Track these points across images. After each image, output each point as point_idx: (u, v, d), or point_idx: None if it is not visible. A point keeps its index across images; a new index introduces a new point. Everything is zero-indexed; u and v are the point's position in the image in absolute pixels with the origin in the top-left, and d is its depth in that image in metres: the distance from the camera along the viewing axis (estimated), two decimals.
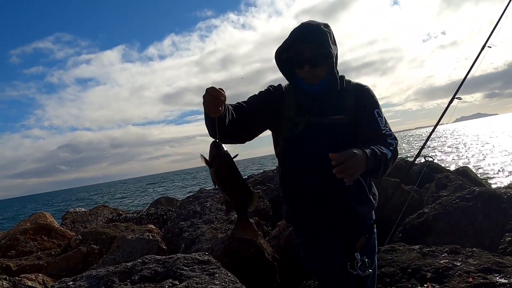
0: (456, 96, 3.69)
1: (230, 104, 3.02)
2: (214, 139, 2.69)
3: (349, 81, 3.33)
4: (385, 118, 3.25)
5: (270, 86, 3.40)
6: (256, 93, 3.34)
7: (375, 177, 3.14)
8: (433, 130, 3.71)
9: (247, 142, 3.22)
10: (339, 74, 3.27)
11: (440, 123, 3.84)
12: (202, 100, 2.58)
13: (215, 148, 2.65)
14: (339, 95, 3.22)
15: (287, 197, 3.44)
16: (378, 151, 2.83)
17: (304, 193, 3.26)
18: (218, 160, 2.64)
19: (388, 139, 3.13)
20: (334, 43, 3.15)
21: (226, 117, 2.81)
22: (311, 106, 3.19)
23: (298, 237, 3.55)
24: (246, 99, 3.26)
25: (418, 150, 3.71)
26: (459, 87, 3.69)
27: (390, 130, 3.22)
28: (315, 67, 3.09)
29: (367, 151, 2.72)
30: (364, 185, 3.25)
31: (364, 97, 3.23)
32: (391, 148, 3.02)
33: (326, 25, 3.14)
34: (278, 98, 3.29)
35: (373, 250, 3.46)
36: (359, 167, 2.62)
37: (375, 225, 3.50)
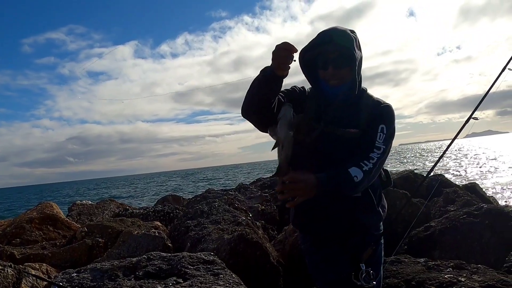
0: (473, 117, 3.67)
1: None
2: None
3: (371, 96, 3.32)
4: (389, 134, 3.18)
5: (295, 86, 3.42)
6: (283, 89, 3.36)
7: (343, 194, 3.07)
8: (446, 149, 3.70)
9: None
10: (362, 87, 3.29)
11: (449, 138, 3.83)
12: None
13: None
14: (357, 107, 3.22)
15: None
16: (337, 177, 2.90)
17: (312, 199, 3.26)
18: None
19: (374, 151, 3.09)
20: (359, 48, 3.17)
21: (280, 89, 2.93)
22: (329, 114, 3.19)
23: (304, 243, 3.55)
24: None
25: (431, 167, 3.69)
26: (477, 107, 3.67)
27: (384, 145, 3.14)
28: (339, 68, 3.10)
29: (321, 176, 2.83)
30: (373, 196, 3.25)
31: (378, 112, 3.22)
32: (364, 168, 2.97)
33: (353, 31, 3.17)
34: (301, 99, 3.31)
35: (379, 262, 3.45)
36: (305, 192, 2.79)
37: (382, 237, 3.50)
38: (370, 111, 3.22)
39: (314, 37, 3.20)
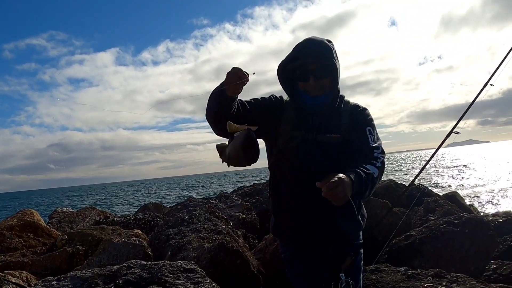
0: (454, 131, 3.69)
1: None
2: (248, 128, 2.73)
3: (348, 102, 3.38)
4: (377, 135, 3.28)
5: (272, 95, 3.43)
6: (258, 97, 3.37)
7: (361, 198, 3.13)
8: (427, 162, 3.71)
9: None
10: (340, 94, 3.32)
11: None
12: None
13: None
14: (337, 114, 3.27)
15: (275, 209, 3.46)
16: (363, 173, 2.85)
17: (293, 207, 3.27)
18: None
19: (375, 152, 3.16)
20: (337, 58, 3.20)
21: (234, 104, 2.92)
22: (309, 122, 3.23)
23: (284, 252, 3.55)
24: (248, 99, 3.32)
25: (413, 178, 3.71)
26: (457, 122, 3.69)
27: (379, 144, 3.24)
28: (320, 78, 3.14)
29: (352, 176, 2.73)
30: (353, 205, 3.26)
31: (359, 117, 3.28)
32: (377, 164, 3.05)
33: (330, 41, 3.22)
34: (278, 109, 3.33)
35: (359, 271, 3.47)
36: (346, 194, 2.64)
37: (361, 246, 3.51)
38: (349, 116, 3.29)
39: (291, 50, 3.23)
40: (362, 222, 3.40)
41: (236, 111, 3.03)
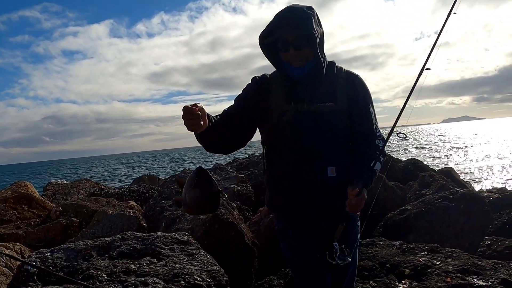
0: (395, 130, 3.58)
1: (219, 115, 3.06)
2: (199, 166, 2.78)
3: (341, 69, 3.34)
4: (375, 113, 3.34)
5: (254, 77, 3.37)
6: (240, 91, 3.33)
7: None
8: (403, 107, 3.57)
9: (248, 142, 3.23)
10: (330, 61, 3.30)
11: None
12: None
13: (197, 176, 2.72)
14: (329, 82, 3.23)
15: (270, 184, 3.42)
16: (370, 174, 3.17)
17: (288, 180, 3.24)
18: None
19: (379, 141, 3.30)
20: (319, 25, 3.13)
21: (212, 129, 2.81)
22: (299, 92, 3.18)
23: (278, 224, 3.53)
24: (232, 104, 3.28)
25: (391, 128, 3.60)
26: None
27: (379, 128, 3.36)
28: (299, 49, 3.08)
29: (364, 187, 3.10)
30: (348, 177, 3.23)
31: (357, 88, 3.24)
32: (381, 158, 3.25)
33: (310, 8, 3.14)
34: (264, 89, 3.27)
35: (354, 241, 3.43)
36: (363, 205, 3.11)
37: (358, 219, 3.50)
38: (345, 84, 3.25)
39: (272, 19, 3.18)
40: None
41: (225, 128, 2.98)
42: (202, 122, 2.57)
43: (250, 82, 3.35)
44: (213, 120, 2.86)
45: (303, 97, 3.17)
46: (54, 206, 10.03)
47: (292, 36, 3.07)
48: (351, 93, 3.21)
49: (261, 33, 3.19)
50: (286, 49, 3.12)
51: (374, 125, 3.32)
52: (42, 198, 11.03)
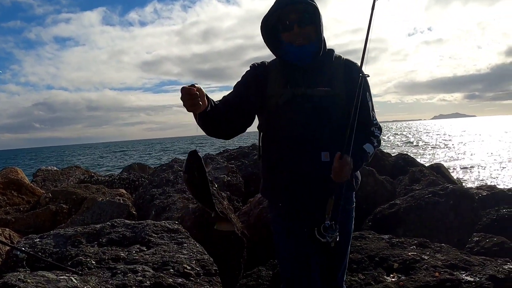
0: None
1: (218, 101, 3.06)
2: (193, 149, 2.87)
3: (340, 56, 3.37)
4: (372, 102, 3.36)
5: (253, 64, 3.39)
6: (232, 82, 3.37)
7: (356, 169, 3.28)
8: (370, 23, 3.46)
9: (248, 128, 3.26)
10: (329, 48, 3.32)
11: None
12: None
13: (191, 157, 2.86)
14: (328, 68, 3.25)
15: (265, 171, 3.42)
16: (359, 152, 3.19)
17: (282, 164, 3.25)
18: (192, 170, 2.89)
19: (375, 129, 3.35)
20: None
21: (212, 111, 2.84)
22: (296, 77, 3.21)
23: (271, 212, 3.53)
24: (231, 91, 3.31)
25: (362, 53, 3.53)
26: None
27: (376, 117, 3.40)
28: (303, 26, 3.12)
29: (352, 158, 3.07)
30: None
31: (354, 76, 3.23)
32: (375, 143, 3.30)
33: None
34: (262, 75, 3.28)
35: (348, 235, 3.45)
36: (349, 174, 3.10)
37: (353, 211, 3.51)
38: (343, 70, 3.28)
39: (273, 4, 3.20)
40: (355, 185, 3.39)
41: (228, 114, 3.02)
42: (201, 102, 2.60)
43: (249, 69, 3.37)
44: (212, 103, 2.88)
45: (301, 82, 3.19)
46: (44, 192, 10.02)
47: (296, 14, 3.11)
48: (349, 80, 3.20)
49: (264, 17, 3.23)
50: (290, 28, 3.15)
51: (371, 113, 3.34)
52: (31, 184, 11.01)
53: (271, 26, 3.25)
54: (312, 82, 3.18)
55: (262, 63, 3.38)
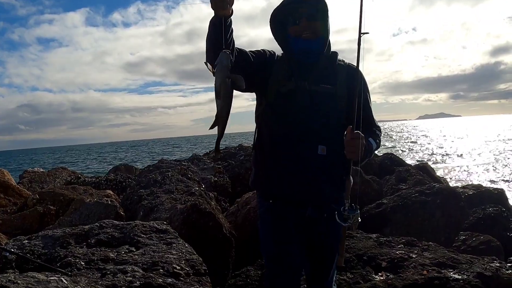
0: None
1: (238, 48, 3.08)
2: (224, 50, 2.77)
3: (343, 60, 3.41)
4: (371, 106, 3.44)
5: (265, 49, 3.40)
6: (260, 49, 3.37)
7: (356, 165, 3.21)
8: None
9: (244, 89, 3.16)
10: (333, 51, 3.37)
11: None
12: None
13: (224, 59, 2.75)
14: (332, 68, 3.30)
15: (257, 161, 3.42)
16: (367, 144, 3.13)
17: (277, 154, 3.25)
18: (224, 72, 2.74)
19: (376, 130, 3.42)
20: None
21: (230, 27, 2.86)
22: (302, 72, 3.24)
23: (260, 207, 3.53)
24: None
25: (357, 56, 3.58)
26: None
27: (376, 121, 3.49)
28: (312, 20, 3.16)
29: (362, 134, 2.99)
30: (339, 165, 3.24)
31: (360, 79, 3.26)
32: (377, 140, 3.35)
33: None
34: (271, 61, 3.31)
35: (337, 237, 3.45)
36: (360, 150, 2.96)
37: None
38: (346, 71, 3.32)
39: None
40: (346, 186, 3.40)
41: (237, 53, 3.01)
42: (228, 6, 2.67)
43: (263, 49, 3.39)
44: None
45: (305, 77, 3.22)
46: (31, 194, 9.99)
47: (306, 8, 3.15)
48: (351, 83, 3.23)
49: (275, 9, 3.25)
50: (298, 21, 3.19)
51: (373, 116, 3.42)
52: (18, 186, 10.98)
53: (279, 21, 3.29)
54: (316, 79, 3.22)
55: (274, 52, 3.42)
